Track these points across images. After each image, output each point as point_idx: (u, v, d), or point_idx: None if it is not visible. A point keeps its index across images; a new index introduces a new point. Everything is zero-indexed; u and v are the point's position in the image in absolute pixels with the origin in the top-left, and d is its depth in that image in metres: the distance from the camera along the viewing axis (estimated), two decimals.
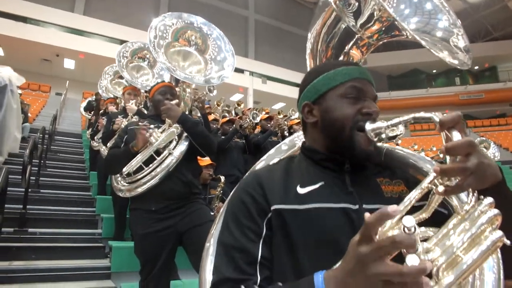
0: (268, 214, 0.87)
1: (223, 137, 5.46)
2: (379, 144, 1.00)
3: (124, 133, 2.77)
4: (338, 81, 0.96)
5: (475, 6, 21.86)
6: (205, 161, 3.94)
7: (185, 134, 2.58)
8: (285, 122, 6.24)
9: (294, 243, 0.84)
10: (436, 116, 0.77)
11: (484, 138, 9.38)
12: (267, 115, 6.57)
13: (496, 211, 0.66)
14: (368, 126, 0.89)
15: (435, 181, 0.70)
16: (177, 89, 2.89)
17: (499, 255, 0.67)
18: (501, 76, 25.84)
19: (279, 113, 7.45)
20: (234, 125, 5.62)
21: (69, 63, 18.33)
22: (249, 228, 0.87)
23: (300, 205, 0.87)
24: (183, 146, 2.56)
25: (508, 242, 0.65)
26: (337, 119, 0.93)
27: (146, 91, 3.99)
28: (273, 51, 22.48)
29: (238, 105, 8.47)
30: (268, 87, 20.53)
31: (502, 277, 0.65)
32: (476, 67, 26.71)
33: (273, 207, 0.87)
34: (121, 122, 3.79)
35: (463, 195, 0.75)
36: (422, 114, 0.79)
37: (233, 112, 7.65)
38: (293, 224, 0.85)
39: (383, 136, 0.88)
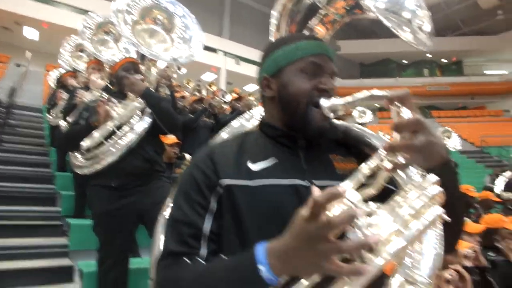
0: (218, 189, 0.87)
1: (191, 115, 5.37)
2: (337, 122, 1.01)
3: (86, 109, 2.67)
4: (298, 55, 0.94)
5: (450, 1, 22.30)
6: (171, 139, 3.87)
7: (148, 110, 2.51)
8: (255, 103, 6.20)
9: (243, 220, 0.83)
10: (390, 93, 0.77)
11: (447, 128, 9.68)
12: (237, 96, 6.50)
13: (439, 188, 0.67)
14: (324, 102, 0.89)
15: (384, 158, 0.71)
16: (142, 66, 2.80)
17: (441, 231, 0.68)
18: (466, 70, 26.74)
19: (250, 95, 7.41)
20: (203, 104, 5.53)
21: (31, 33, 17.32)
22: (197, 202, 0.86)
23: (251, 181, 0.86)
24: (145, 123, 2.49)
25: (448, 218, 0.67)
26: (293, 94, 0.92)
27: (110, 67, 3.85)
28: (248, 32, 22.14)
29: (210, 86, 8.34)
30: (242, 68, 20.17)
31: (441, 251, 0.67)
32: (444, 60, 27.48)
33: (223, 182, 0.86)
34: (83, 96, 3.64)
35: (410, 173, 0.75)
36: (377, 91, 0.79)
37: (204, 92, 7.53)
38: (243, 200, 0.84)
39: (339, 113, 0.89)
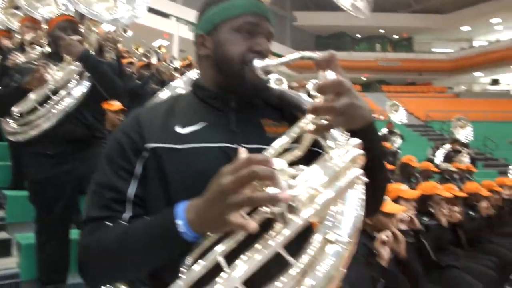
0: (144, 153, 0.84)
1: (138, 82, 5.16)
2: (272, 86, 0.98)
3: (18, 71, 2.48)
4: (234, 13, 0.90)
5: None
6: (116, 105, 3.70)
7: (87, 74, 2.36)
8: None
9: (170, 184, 0.81)
10: (317, 56, 0.78)
11: (395, 102, 10.08)
12: (188, 62, 6.33)
13: (359, 151, 0.68)
14: (257, 63, 0.87)
15: (309, 120, 0.73)
16: (81, 26, 2.62)
17: (362, 193, 0.69)
18: (416, 47, 27.76)
19: None
20: (151, 70, 5.34)
21: None
22: (121, 167, 0.84)
23: (178, 145, 0.84)
24: (83, 87, 2.36)
25: (366, 179, 0.68)
26: (227, 53, 0.89)
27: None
28: None
29: (160, 48, 8.03)
30: None
31: (362, 213, 0.68)
32: (396, 36, 28.27)
33: (149, 146, 0.84)
34: (17, 59, 3.37)
35: (335, 135, 0.76)
36: (307, 53, 0.79)
37: (154, 59, 7.25)
38: (170, 164, 0.82)
39: (272, 74, 0.88)
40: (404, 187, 2.84)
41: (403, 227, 2.44)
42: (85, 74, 2.36)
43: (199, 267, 0.65)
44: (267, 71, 0.87)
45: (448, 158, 7.97)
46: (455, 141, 8.50)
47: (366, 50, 27.40)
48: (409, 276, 2.32)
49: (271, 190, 0.59)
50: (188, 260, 0.69)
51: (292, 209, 0.62)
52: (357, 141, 0.70)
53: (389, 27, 25.75)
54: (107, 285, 0.83)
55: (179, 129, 0.86)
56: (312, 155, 0.74)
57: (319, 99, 0.76)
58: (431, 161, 7.18)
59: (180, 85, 1.28)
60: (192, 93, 0.98)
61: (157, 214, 0.74)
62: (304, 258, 0.62)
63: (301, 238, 0.64)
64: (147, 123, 0.87)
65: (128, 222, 0.80)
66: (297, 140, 0.78)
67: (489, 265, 3.49)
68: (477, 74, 27.33)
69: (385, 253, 2.06)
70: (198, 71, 1.02)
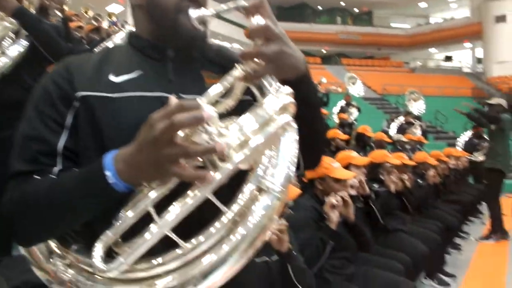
0: (74, 103, 0.78)
1: (87, 46, 4.90)
2: (211, 41, 0.95)
3: None
4: None
5: None
6: None
7: (24, 32, 2.19)
8: None
9: (103, 135, 0.77)
10: (247, 3, 0.75)
11: (352, 74, 10.26)
12: None
13: (290, 99, 0.68)
14: (193, 12, 0.82)
15: (240, 68, 0.71)
16: None
17: (296, 141, 0.69)
18: (375, 21, 28.13)
19: None
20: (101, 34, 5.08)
21: None
22: (50, 117, 0.77)
23: (112, 93, 0.79)
24: (20, 46, 2.18)
25: (295, 125, 0.69)
26: (160, 2, 0.84)
27: None
28: None
29: (110, 16, 7.62)
30: None
31: (294, 164, 0.68)
32: (356, 10, 28.47)
33: (80, 94, 0.78)
34: None
35: (267, 85, 0.75)
36: (241, 1, 0.74)
37: (105, 24, 6.87)
38: (103, 113, 0.77)
39: (208, 24, 0.85)
40: (354, 154, 2.89)
41: (353, 192, 2.50)
42: (22, 32, 2.18)
43: (129, 217, 0.64)
44: (203, 21, 0.83)
45: (401, 130, 8.28)
46: (408, 113, 8.82)
47: (327, 22, 27.44)
48: (358, 238, 2.41)
49: (200, 139, 0.59)
50: (123, 212, 0.66)
51: (222, 156, 0.61)
52: (288, 89, 0.70)
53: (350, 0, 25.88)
54: (38, 242, 0.79)
55: (112, 78, 0.81)
56: (246, 107, 0.72)
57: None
58: (386, 133, 7.42)
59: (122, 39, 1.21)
60: (127, 43, 0.92)
61: (86, 167, 0.70)
62: (236, 207, 0.63)
63: (236, 188, 0.65)
64: (77, 71, 0.81)
65: (57, 176, 0.74)
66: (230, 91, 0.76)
67: (434, 230, 3.70)
68: (432, 50, 28.26)
69: (334, 216, 2.10)
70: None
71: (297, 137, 0.70)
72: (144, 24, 0.88)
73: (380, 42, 26.71)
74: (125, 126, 0.75)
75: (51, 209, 0.71)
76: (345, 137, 5.28)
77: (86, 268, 0.71)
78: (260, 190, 0.64)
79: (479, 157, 7.30)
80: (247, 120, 0.66)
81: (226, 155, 0.61)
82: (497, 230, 5.06)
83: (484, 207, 6.08)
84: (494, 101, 5.31)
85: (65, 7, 4.66)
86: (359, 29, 26.81)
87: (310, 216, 2.18)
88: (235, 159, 0.62)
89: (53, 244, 0.79)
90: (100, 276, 0.67)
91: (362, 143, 5.72)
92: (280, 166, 0.65)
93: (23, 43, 2.19)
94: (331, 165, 2.32)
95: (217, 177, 0.61)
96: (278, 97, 0.68)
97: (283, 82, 0.74)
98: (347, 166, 2.70)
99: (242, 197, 0.64)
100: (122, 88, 0.80)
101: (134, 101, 0.79)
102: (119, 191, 0.65)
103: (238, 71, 0.71)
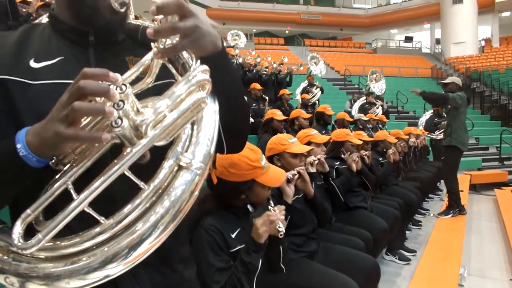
0: None
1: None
2: (134, 21, 0.94)
3: None
4: None
5: None
6: None
7: None
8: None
9: (22, 121, 0.75)
10: None
11: (314, 54, 10.22)
12: None
13: (205, 76, 0.69)
14: None
15: (154, 46, 0.72)
16: None
17: (214, 121, 0.72)
18: (337, 2, 28.22)
19: None
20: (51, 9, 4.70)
21: None
22: None
23: (31, 80, 0.78)
24: None
25: (210, 102, 0.72)
26: None
27: None
28: None
29: None
30: None
31: (214, 143, 0.70)
32: None
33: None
34: None
35: (185, 64, 0.77)
36: None
37: None
38: (21, 100, 0.77)
39: (129, 6, 0.85)
40: (314, 132, 2.82)
41: (313, 170, 2.44)
42: None
43: (48, 194, 0.65)
44: (122, 3, 0.80)
45: (363, 109, 8.38)
46: (370, 93, 8.92)
47: (289, 2, 27.24)
48: (318, 214, 2.36)
49: (116, 115, 0.61)
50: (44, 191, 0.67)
51: (139, 133, 0.63)
52: (203, 67, 0.70)
53: None
54: None
55: (32, 63, 0.80)
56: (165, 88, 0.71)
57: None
58: (349, 113, 7.46)
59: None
60: (49, 24, 0.88)
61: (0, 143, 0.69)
62: (156, 182, 0.64)
63: (156, 165, 0.66)
64: None
65: None
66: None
67: (395, 206, 3.73)
68: (393, 31, 28.77)
69: (289, 190, 2.06)
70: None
71: (217, 117, 0.72)
72: (63, 5, 0.85)
73: (341, 22, 26.89)
74: (43, 114, 0.70)
75: None
76: (308, 116, 5.21)
77: (11, 249, 0.70)
78: (180, 167, 0.65)
79: (439, 135, 7.49)
80: (164, 98, 0.67)
81: (143, 133, 0.63)
82: (454, 206, 5.21)
83: (442, 185, 6.26)
84: (448, 79, 5.38)
85: None
86: (321, 9, 26.81)
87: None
88: (150, 135, 0.63)
89: None
90: (25, 256, 0.68)
91: (323, 122, 5.69)
92: (199, 143, 0.68)
93: None
94: (288, 141, 2.26)
95: (131, 153, 0.62)
96: (195, 75, 0.69)
97: (201, 60, 0.75)
98: (307, 144, 2.62)
99: (161, 174, 0.65)
100: (41, 75, 0.79)
101: (52, 89, 0.76)
102: (31, 164, 0.64)
103: (153, 49, 0.71)
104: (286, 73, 8.88)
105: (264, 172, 1.59)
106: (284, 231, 1.52)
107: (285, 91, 7.35)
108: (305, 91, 8.48)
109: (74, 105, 0.59)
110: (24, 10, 5.02)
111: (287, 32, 26.82)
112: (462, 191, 5.47)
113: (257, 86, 7.00)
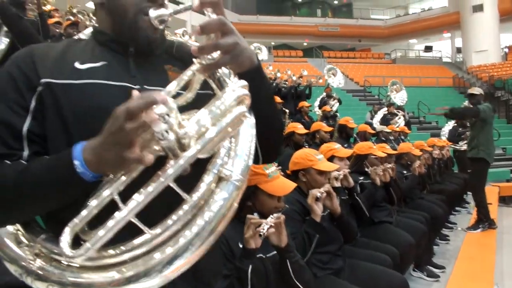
0: (37, 88, 0.81)
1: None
2: (171, 38, 1.01)
3: None
4: None
5: None
6: None
7: (4, 28, 2.07)
8: None
9: (67, 120, 0.80)
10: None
11: (332, 66, 10.21)
12: None
13: (244, 91, 0.72)
14: (152, 12, 0.85)
15: (197, 62, 0.75)
16: None
17: (253, 134, 0.75)
18: (355, 13, 28.18)
19: None
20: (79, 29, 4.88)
21: None
22: (14, 101, 0.80)
23: (76, 80, 0.82)
24: (1, 44, 2.05)
25: (249, 116, 0.74)
26: (121, 3, 0.87)
27: None
28: None
29: (89, 15, 7.40)
30: None
31: (252, 154, 0.72)
32: (335, 2, 28.46)
33: (43, 81, 0.81)
34: None
35: (225, 79, 0.78)
36: (196, 1, 0.77)
37: (81, 17, 6.65)
38: (66, 99, 0.80)
39: (166, 23, 0.88)
40: (337, 146, 2.78)
41: (337, 184, 2.40)
42: (2, 28, 2.06)
43: (93, 205, 0.67)
44: (162, 20, 0.86)
45: (384, 121, 8.25)
46: (391, 104, 8.80)
47: (307, 15, 27.35)
48: (344, 231, 2.31)
49: (162, 127, 0.62)
50: (89, 201, 0.68)
51: (182, 145, 0.64)
52: (243, 82, 0.74)
53: None
54: (2, 225, 0.79)
55: (78, 65, 0.84)
56: (207, 100, 0.74)
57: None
58: (370, 124, 7.37)
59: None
60: (92, 37, 0.94)
61: (55, 155, 0.73)
62: (197, 194, 0.66)
63: (198, 177, 0.68)
64: (42, 58, 0.84)
65: (26, 161, 0.77)
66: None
67: (421, 220, 3.62)
68: (412, 41, 28.48)
69: (317, 209, 2.03)
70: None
71: (254, 131, 0.75)
72: (106, 22, 0.91)
73: (360, 33, 26.79)
74: (91, 112, 0.78)
75: (19, 195, 0.72)
76: (329, 129, 5.17)
77: (54, 257, 0.71)
78: (220, 179, 0.67)
79: (463, 146, 7.30)
80: (206, 112, 0.69)
81: (185, 145, 0.65)
82: (483, 220, 5.03)
83: (470, 197, 6.06)
84: (476, 91, 5.24)
85: (47, 3, 4.47)
86: (338, 21, 26.81)
87: (294, 209, 2.10)
88: (193, 148, 0.65)
89: (20, 233, 0.79)
90: (68, 264, 0.69)
91: (345, 135, 5.63)
92: (238, 156, 0.69)
93: (4, 40, 2.07)
94: (315, 157, 2.23)
95: (175, 165, 0.64)
96: (235, 90, 0.71)
97: (239, 76, 0.78)
98: (330, 159, 2.58)
99: (203, 186, 0.67)
100: (87, 75, 0.83)
101: (97, 87, 0.82)
102: (86, 180, 0.67)
103: (195, 65, 0.75)
104: (306, 85, 8.87)
105: (268, 180, 1.59)
106: (264, 232, 1.49)
107: (304, 103, 7.35)
108: (323, 102, 8.45)
109: (127, 126, 0.61)
110: (57, 30, 5.22)
111: (305, 44, 26.89)
112: (490, 204, 5.29)
113: (277, 99, 7.01)
